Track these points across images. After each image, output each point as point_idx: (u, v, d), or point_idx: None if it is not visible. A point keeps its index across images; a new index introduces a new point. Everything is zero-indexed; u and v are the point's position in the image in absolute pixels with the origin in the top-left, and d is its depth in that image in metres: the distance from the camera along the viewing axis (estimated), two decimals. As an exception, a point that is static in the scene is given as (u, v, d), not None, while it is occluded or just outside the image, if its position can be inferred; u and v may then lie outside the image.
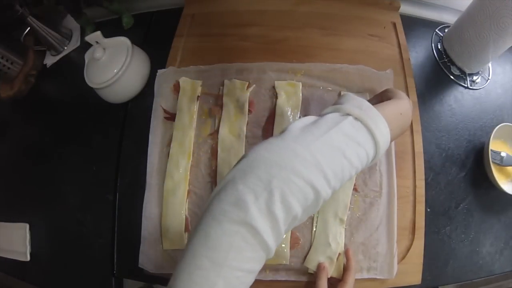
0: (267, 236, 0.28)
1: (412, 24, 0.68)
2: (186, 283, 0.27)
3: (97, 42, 0.61)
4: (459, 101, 0.63)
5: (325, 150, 0.31)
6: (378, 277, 0.50)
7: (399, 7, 0.67)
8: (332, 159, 0.31)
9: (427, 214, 0.54)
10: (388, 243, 0.51)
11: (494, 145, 0.58)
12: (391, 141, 0.38)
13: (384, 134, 0.34)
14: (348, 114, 0.34)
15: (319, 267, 0.49)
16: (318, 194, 0.30)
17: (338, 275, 0.50)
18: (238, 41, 0.65)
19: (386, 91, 0.45)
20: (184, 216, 0.54)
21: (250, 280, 0.30)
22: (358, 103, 0.35)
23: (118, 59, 0.60)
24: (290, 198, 0.28)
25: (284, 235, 0.31)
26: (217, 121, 0.58)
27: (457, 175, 0.59)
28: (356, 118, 0.34)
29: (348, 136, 0.32)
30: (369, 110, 0.35)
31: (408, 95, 0.59)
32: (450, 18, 0.70)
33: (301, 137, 0.31)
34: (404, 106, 0.41)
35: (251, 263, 0.29)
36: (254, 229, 0.27)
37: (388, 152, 0.55)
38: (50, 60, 0.75)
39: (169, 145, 0.57)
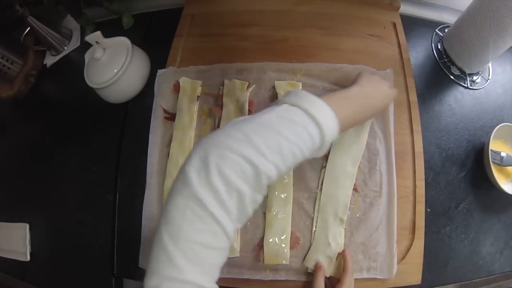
0: (213, 207, 0.30)
1: (412, 24, 0.67)
2: (153, 263, 0.30)
3: (97, 42, 0.61)
4: (459, 101, 0.63)
5: (257, 130, 0.34)
6: (378, 277, 0.50)
7: (399, 7, 0.67)
8: (264, 136, 0.33)
9: (427, 214, 0.54)
10: (388, 243, 0.51)
11: (494, 145, 0.58)
12: (350, 125, 0.43)
13: (326, 115, 0.37)
14: (284, 103, 0.37)
15: (316, 266, 0.49)
16: (256, 168, 0.32)
17: (338, 275, 0.49)
18: (238, 41, 0.65)
19: (355, 77, 0.50)
20: (184, 216, 0.54)
21: (212, 257, 0.31)
22: (296, 93, 0.38)
23: (118, 59, 0.60)
24: (226, 171, 0.31)
25: (235, 212, 0.32)
26: (217, 121, 0.58)
27: (457, 175, 0.59)
28: (292, 105, 0.37)
29: (282, 117, 0.35)
30: (305, 97, 0.37)
31: (408, 95, 0.59)
32: (450, 18, 0.70)
33: (237, 124, 0.35)
34: (354, 92, 0.44)
35: (204, 235, 0.30)
36: (199, 200, 0.30)
37: (388, 152, 0.55)
38: (50, 60, 0.76)
39: (169, 145, 0.57)
